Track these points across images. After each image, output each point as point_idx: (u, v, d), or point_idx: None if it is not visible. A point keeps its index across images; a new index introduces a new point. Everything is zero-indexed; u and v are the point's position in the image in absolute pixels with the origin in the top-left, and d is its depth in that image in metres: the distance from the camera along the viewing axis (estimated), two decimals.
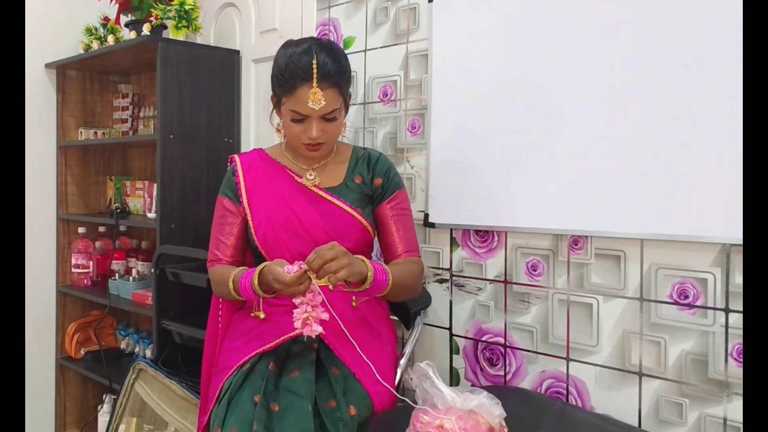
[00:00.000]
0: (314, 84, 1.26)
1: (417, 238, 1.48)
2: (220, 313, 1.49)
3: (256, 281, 1.26)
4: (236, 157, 1.46)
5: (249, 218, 1.40)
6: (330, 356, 1.32)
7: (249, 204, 1.41)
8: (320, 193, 1.40)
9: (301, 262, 1.19)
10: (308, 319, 1.19)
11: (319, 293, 1.20)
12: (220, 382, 1.32)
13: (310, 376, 1.27)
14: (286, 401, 1.24)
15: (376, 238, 1.47)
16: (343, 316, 1.34)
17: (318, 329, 1.20)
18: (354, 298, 1.32)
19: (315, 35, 1.98)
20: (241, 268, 1.35)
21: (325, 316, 1.20)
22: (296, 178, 1.41)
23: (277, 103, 1.36)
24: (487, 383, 1.59)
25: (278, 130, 1.42)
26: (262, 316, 1.34)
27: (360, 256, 1.26)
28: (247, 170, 1.43)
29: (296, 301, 1.21)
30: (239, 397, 1.26)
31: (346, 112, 1.41)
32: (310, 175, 1.41)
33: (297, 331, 1.22)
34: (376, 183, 1.43)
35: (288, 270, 1.18)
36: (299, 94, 1.28)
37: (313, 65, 1.27)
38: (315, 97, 1.26)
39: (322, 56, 1.28)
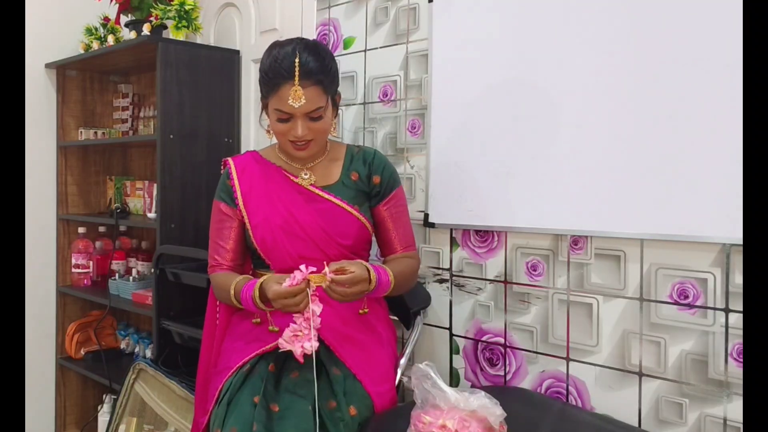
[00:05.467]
0: (296, 82, 1.27)
1: (414, 233, 1.48)
2: (217, 314, 1.48)
3: (257, 295, 1.25)
4: (230, 160, 1.45)
5: (246, 221, 1.39)
6: (330, 356, 1.32)
7: (245, 206, 1.40)
8: (317, 191, 1.39)
9: (305, 270, 1.18)
10: (299, 336, 1.17)
11: (317, 316, 1.17)
12: (219, 383, 1.32)
13: (310, 377, 1.26)
14: (286, 402, 1.24)
15: (374, 237, 1.47)
16: (342, 316, 1.34)
17: (312, 346, 1.16)
18: (364, 307, 1.32)
19: (315, 35, 1.98)
20: (242, 276, 1.34)
21: (310, 346, 1.17)
22: (292, 178, 1.41)
23: (264, 104, 1.37)
24: (487, 383, 1.59)
25: (268, 131, 1.42)
26: (276, 329, 1.30)
27: (360, 261, 1.26)
28: (241, 172, 1.43)
29: (295, 317, 1.20)
30: (239, 397, 1.27)
31: (336, 111, 1.41)
32: (306, 174, 1.41)
33: (286, 348, 1.19)
34: (374, 181, 1.43)
35: (293, 278, 1.18)
36: (281, 93, 1.28)
37: (296, 63, 1.27)
38: (296, 95, 1.27)
39: (305, 55, 1.28)
